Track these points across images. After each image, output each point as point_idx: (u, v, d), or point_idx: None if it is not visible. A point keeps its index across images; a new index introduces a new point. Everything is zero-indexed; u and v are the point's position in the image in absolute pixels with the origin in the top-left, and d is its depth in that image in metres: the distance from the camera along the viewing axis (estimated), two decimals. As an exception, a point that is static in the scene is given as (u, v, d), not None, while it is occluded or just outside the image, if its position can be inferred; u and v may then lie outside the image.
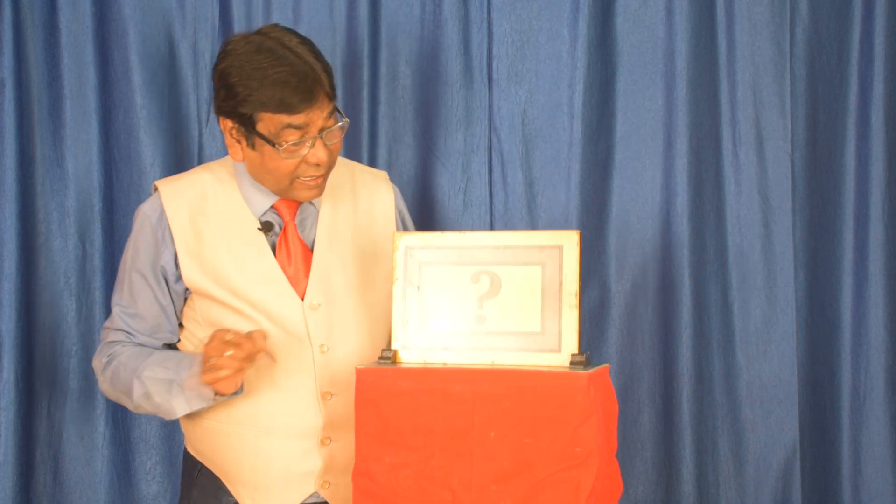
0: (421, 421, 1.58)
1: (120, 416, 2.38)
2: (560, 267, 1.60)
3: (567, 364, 1.58)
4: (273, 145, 1.70)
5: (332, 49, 2.40)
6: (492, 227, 2.41)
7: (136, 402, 1.78)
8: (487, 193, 2.42)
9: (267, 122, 1.69)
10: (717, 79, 2.40)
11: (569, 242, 1.61)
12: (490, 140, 2.42)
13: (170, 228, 1.80)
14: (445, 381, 1.57)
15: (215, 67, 1.74)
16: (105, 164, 2.37)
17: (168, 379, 1.74)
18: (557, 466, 1.52)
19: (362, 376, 1.61)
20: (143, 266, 1.82)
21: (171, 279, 1.82)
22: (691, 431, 2.39)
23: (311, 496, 1.80)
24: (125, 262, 1.86)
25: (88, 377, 2.36)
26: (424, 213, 2.40)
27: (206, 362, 1.67)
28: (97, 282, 2.36)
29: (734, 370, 2.41)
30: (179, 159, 2.38)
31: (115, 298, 1.87)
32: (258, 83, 1.67)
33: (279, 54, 1.69)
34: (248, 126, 1.71)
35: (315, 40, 2.40)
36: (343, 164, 1.95)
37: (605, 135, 2.42)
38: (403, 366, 1.63)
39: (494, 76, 2.41)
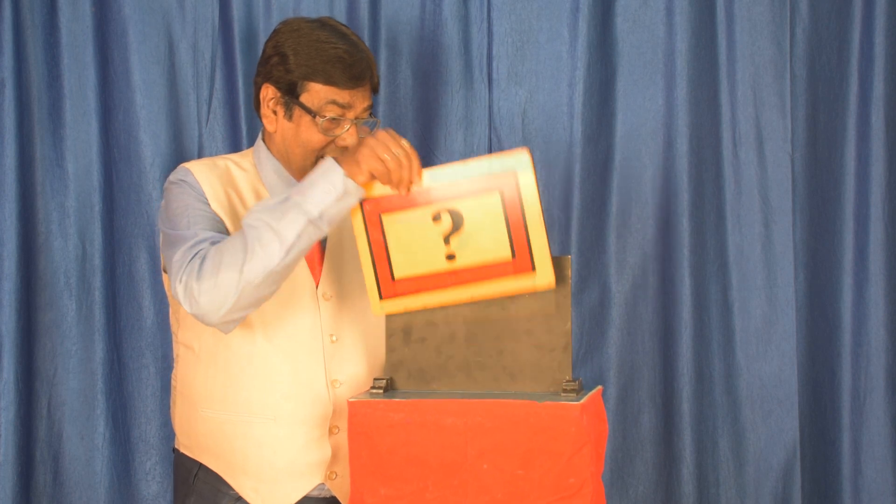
0: (414, 453, 1.57)
1: (120, 416, 2.38)
2: (518, 189, 1.62)
3: (548, 298, 1.61)
4: (313, 116, 1.75)
5: (332, 49, 2.40)
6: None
7: (271, 249, 1.59)
8: (487, 193, 2.42)
9: (313, 94, 1.75)
10: (717, 79, 2.40)
11: (521, 164, 1.61)
12: (490, 140, 2.42)
13: (203, 192, 1.76)
14: (438, 414, 1.56)
15: (269, 39, 1.80)
16: (105, 164, 2.37)
17: (286, 198, 1.62)
18: (551, 497, 1.52)
19: (354, 409, 1.60)
20: (199, 200, 1.74)
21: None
22: (691, 431, 2.39)
23: (316, 487, 1.79)
24: (176, 213, 1.73)
25: (88, 377, 2.36)
26: (424, 213, 2.40)
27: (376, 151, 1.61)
28: (97, 282, 2.36)
29: (734, 370, 2.41)
30: (179, 159, 2.37)
31: (178, 246, 1.68)
32: (315, 53, 1.74)
33: (340, 33, 1.78)
34: (291, 94, 1.76)
35: (315, 40, 2.41)
36: None
37: (605, 135, 2.42)
38: (396, 396, 1.62)
39: (494, 76, 2.41)
